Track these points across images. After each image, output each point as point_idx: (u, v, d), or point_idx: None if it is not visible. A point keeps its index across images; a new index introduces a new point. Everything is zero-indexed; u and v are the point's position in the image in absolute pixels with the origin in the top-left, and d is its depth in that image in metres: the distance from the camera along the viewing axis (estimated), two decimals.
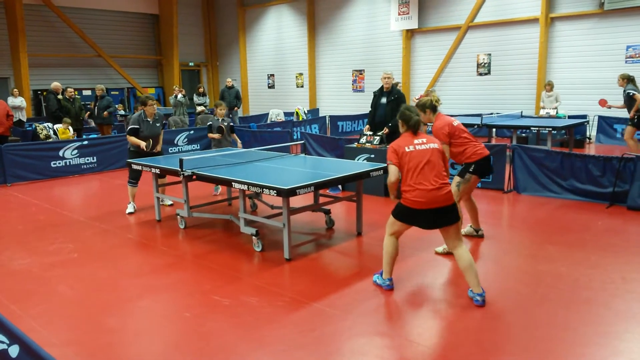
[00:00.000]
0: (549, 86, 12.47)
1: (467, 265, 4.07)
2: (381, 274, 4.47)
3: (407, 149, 4.11)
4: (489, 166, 5.40)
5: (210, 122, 8.33)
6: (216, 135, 8.16)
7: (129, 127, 7.26)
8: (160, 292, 4.55)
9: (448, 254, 5.17)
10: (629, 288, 4.33)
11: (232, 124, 8.47)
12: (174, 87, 16.20)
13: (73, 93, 12.13)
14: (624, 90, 9.44)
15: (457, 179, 5.34)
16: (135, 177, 7.33)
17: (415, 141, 4.16)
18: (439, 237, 5.85)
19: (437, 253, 5.29)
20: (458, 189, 5.27)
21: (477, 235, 5.81)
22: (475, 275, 4.08)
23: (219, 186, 8.15)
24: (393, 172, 4.13)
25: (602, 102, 10.05)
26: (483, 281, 4.55)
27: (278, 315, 3.99)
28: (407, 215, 4.14)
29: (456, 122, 5.37)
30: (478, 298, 4.07)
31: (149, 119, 7.23)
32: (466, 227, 5.74)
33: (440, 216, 4.06)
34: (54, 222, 6.94)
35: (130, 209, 7.42)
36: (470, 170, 5.25)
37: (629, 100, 9.31)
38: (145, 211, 7.36)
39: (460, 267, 4.13)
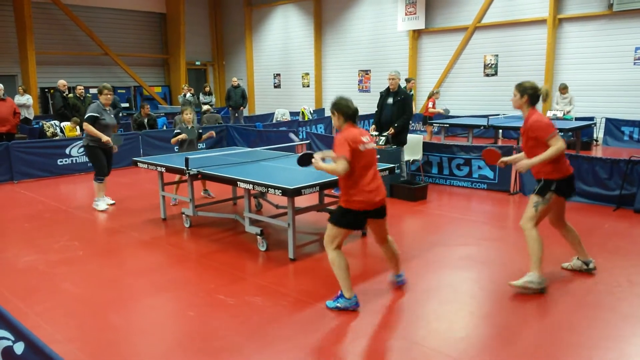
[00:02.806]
0: (564, 89, 12.41)
1: (391, 256, 4.34)
2: (340, 297, 4.03)
3: (360, 147, 3.84)
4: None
5: (178, 130, 7.74)
6: (183, 136, 7.57)
7: (87, 115, 7.09)
8: (164, 290, 4.55)
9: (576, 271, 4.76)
10: (635, 291, 4.29)
11: (200, 130, 7.97)
12: (183, 86, 16.25)
13: (82, 91, 12.18)
14: None
15: (534, 198, 4.41)
16: (102, 172, 7.33)
17: (363, 138, 3.91)
18: (442, 236, 5.84)
19: (563, 268, 4.81)
20: (535, 211, 4.36)
21: (587, 270, 4.68)
22: (398, 262, 4.38)
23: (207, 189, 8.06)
24: (345, 167, 3.80)
25: None
26: (490, 283, 4.54)
27: (282, 315, 3.99)
28: (354, 220, 3.97)
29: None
30: (398, 279, 4.41)
31: (106, 109, 7.28)
32: (572, 260, 4.81)
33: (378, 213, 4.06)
34: (60, 220, 6.97)
35: (102, 205, 7.39)
36: (553, 188, 4.32)
37: None
38: (151, 210, 7.37)
39: (386, 257, 4.37)
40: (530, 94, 4.29)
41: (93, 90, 18.23)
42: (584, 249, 4.69)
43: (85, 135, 7.30)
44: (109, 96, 7.31)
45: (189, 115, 7.76)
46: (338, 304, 4.01)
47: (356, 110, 3.98)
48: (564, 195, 4.41)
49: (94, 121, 7.08)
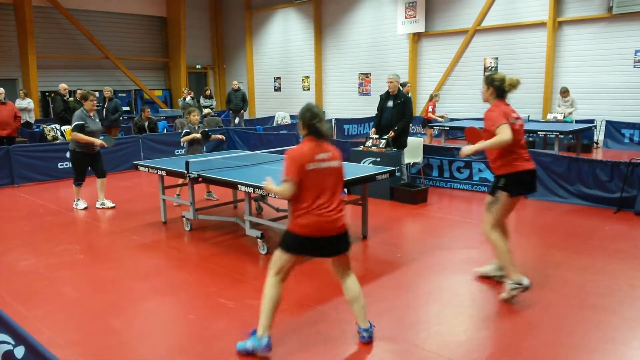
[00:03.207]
0: (565, 93, 12.42)
1: (354, 296, 3.56)
2: (252, 334, 3.45)
3: (309, 166, 3.31)
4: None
5: (187, 130, 7.81)
6: (195, 135, 7.69)
7: (75, 124, 7.23)
8: (165, 293, 4.55)
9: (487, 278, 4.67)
10: (636, 294, 4.29)
11: (207, 129, 8.10)
12: (183, 89, 16.26)
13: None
14: None
15: (487, 198, 4.23)
16: (81, 177, 7.59)
17: (317, 156, 3.35)
18: (442, 239, 5.83)
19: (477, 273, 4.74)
20: (489, 213, 4.18)
21: (499, 277, 4.57)
22: (362, 307, 3.56)
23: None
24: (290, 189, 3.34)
25: None
26: (491, 286, 4.52)
27: (283, 319, 3.98)
28: (297, 245, 3.40)
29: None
30: (364, 334, 3.55)
31: (90, 115, 7.38)
32: (488, 265, 4.71)
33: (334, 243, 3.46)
34: (60, 223, 6.97)
35: (81, 205, 7.72)
36: (501, 184, 4.14)
37: None
38: (151, 213, 7.38)
39: (347, 298, 3.60)
40: (496, 86, 4.16)
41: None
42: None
43: (72, 141, 7.45)
44: (93, 102, 7.41)
45: (196, 116, 7.89)
46: (247, 346, 3.42)
47: (319, 123, 3.38)
48: (511, 192, 4.09)
49: (81, 129, 7.22)
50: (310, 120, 3.37)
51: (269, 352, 3.40)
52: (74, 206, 7.76)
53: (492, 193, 4.20)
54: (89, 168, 7.67)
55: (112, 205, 7.78)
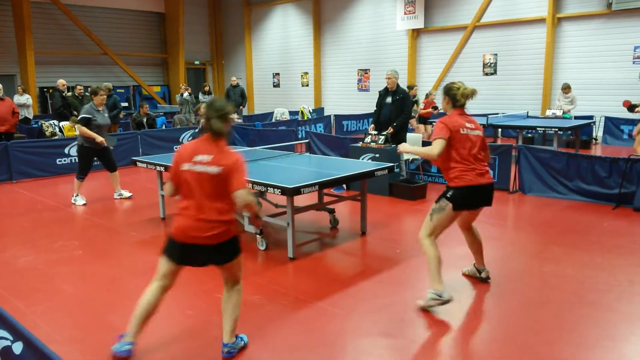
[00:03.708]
0: (567, 89, 12.40)
1: (229, 308, 3.35)
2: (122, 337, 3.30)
3: (183, 166, 3.19)
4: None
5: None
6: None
7: (80, 117, 7.32)
8: None
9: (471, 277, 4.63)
10: (635, 290, 4.29)
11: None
12: (181, 85, 16.23)
13: (82, 90, 12.18)
14: None
15: (433, 205, 4.12)
16: (84, 172, 7.63)
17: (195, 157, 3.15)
18: (441, 235, 5.83)
19: (464, 274, 4.69)
20: (430, 219, 4.06)
21: (480, 278, 4.55)
22: (234, 322, 3.34)
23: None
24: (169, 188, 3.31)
25: (626, 103, 9.91)
26: (491, 284, 4.52)
27: (282, 315, 3.98)
28: (172, 249, 3.27)
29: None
30: (224, 349, 3.33)
31: (99, 109, 7.46)
32: (470, 266, 4.68)
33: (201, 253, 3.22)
34: (59, 219, 6.96)
35: (80, 201, 7.71)
36: (448, 195, 4.00)
37: None
38: (150, 209, 7.37)
39: (222, 307, 3.39)
40: (451, 95, 4.08)
41: None
42: (482, 259, 4.50)
43: (79, 135, 7.50)
44: (103, 97, 7.52)
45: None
46: (114, 349, 3.28)
47: (214, 119, 3.16)
48: (454, 205, 3.96)
49: (86, 122, 7.25)
50: (208, 116, 3.17)
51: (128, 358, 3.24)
52: (73, 201, 7.76)
53: (437, 200, 4.05)
54: (99, 163, 7.82)
55: (129, 194, 7.98)
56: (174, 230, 3.21)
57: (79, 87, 12.26)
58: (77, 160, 7.81)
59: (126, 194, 8.04)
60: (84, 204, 7.68)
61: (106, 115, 7.61)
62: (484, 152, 4.13)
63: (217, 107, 3.18)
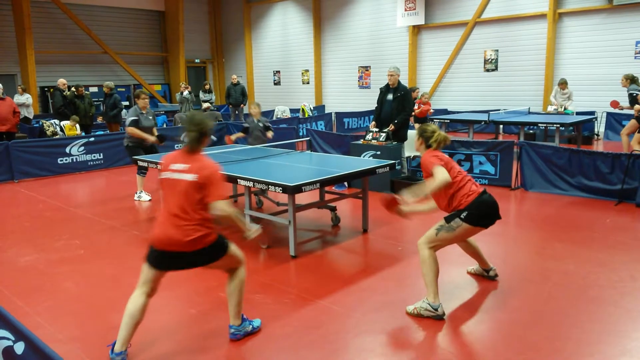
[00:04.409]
0: (564, 84, 12.36)
1: (230, 291, 3.51)
2: (113, 345, 3.29)
3: (162, 174, 3.32)
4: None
5: (247, 125, 7.90)
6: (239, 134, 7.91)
7: (130, 119, 7.50)
8: (165, 288, 4.52)
9: (477, 275, 4.62)
10: (638, 286, 4.28)
11: (267, 124, 7.91)
12: (181, 83, 16.22)
13: (82, 90, 12.19)
14: (627, 90, 9.43)
15: (441, 221, 4.03)
16: (145, 168, 7.62)
17: (172, 166, 3.28)
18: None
19: (469, 273, 4.68)
20: (436, 235, 3.99)
21: (488, 277, 4.57)
22: (236, 305, 3.51)
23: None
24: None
25: (614, 104, 9.93)
26: (490, 281, 4.52)
27: (284, 312, 3.98)
28: (150, 253, 3.33)
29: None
30: (230, 330, 3.54)
31: (143, 112, 7.62)
32: (475, 265, 4.67)
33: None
34: (61, 219, 6.96)
35: (145, 197, 7.85)
36: (463, 216, 3.90)
37: (633, 101, 9.27)
38: (152, 207, 7.37)
39: (226, 292, 3.53)
40: (425, 137, 4.10)
41: (93, 89, 18.31)
42: (484, 259, 4.47)
43: (125, 137, 7.70)
44: (146, 100, 7.69)
45: (255, 109, 7.88)
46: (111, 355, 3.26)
47: (187, 132, 3.27)
48: (476, 224, 3.92)
49: (135, 124, 7.48)
50: (188, 129, 3.27)
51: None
52: (137, 198, 7.86)
53: (448, 220, 3.95)
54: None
55: (149, 198, 7.92)
56: (152, 237, 3.26)
57: (80, 89, 12.26)
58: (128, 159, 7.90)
59: (145, 197, 7.88)
60: (149, 200, 7.80)
61: (150, 117, 7.78)
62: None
63: (196, 121, 3.28)
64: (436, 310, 3.82)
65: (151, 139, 7.55)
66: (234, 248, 3.44)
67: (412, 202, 4.03)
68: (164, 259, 3.27)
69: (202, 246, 3.21)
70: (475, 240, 4.44)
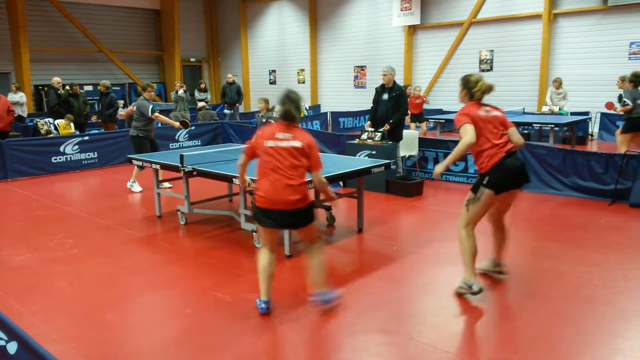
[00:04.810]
0: (557, 83, 12.40)
1: (313, 265, 3.92)
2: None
3: (265, 142, 3.75)
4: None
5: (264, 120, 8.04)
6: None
7: (151, 107, 7.82)
8: (160, 288, 4.53)
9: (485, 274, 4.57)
10: (631, 286, 4.31)
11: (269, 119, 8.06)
12: (176, 82, 16.17)
13: (76, 88, 12.14)
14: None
15: (468, 194, 4.09)
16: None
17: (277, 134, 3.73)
18: (438, 232, 5.84)
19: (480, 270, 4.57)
20: (466, 210, 4.07)
21: (495, 272, 4.52)
22: (319, 276, 3.93)
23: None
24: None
25: (609, 105, 9.96)
26: (486, 278, 4.53)
27: (279, 312, 3.98)
28: (261, 215, 3.78)
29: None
30: (313, 297, 3.94)
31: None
32: (484, 261, 4.58)
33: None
34: (55, 218, 6.93)
35: (137, 188, 8.30)
36: (485, 182, 3.95)
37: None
38: (146, 207, 7.35)
39: (309, 264, 3.95)
40: (469, 88, 4.11)
41: (87, 88, 18.23)
42: (501, 251, 4.45)
43: (133, 126, 7.96)
44: (152, 93, 8.03)
45: (261, 104, 8.19)
46: (257, 303, 3.94)
47: (287, 110, 3.72)
48: (497, 188, 3.92)
49: (157, 110, 7.85)
50: (283, 105, 3.74)
51: (267, 314, 3.86)
52: (128, 186, 8.35)
53: (473, 190, 4.02)
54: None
55: (139, 189, 8.32)
56: (261, 198, 3.70)
57: (74, 87, 12.21)
58: (133, 150, 8.09)
59: (137, 188, 8.30)
60: (140, 191, 8.24)
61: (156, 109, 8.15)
62: (506, 132, 4.07)
63: (292, 97, 3.75)
64: (470, 287, 4.00)
65: (176, 124, 7.99)
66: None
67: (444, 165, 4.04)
68: (276, 217, 3.70)
69: (303, 205, 3.71)
70: (508, 229, 4.42)
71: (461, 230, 4.10)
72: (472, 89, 4.08)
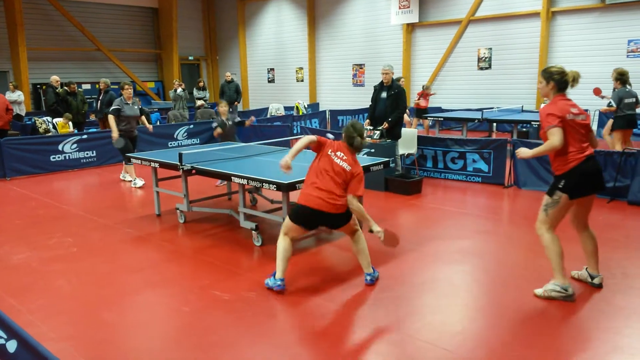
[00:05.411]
0: None
1: (359, 250, 4.45)
2: (273, 275, 4.32)
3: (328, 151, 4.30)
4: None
5: (216, 123, 8.25)
6: (219, 131, 8.15)
7: (112, 108, 8.16)
8: (159, 286, 4.53)
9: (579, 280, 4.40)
10: (629, 283, 4.31)
11: (237, 120, 8.45)
12: (174, 81, 16.16)
13: (74, 87, 12.11)
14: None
15: (545, 199, 4.00)
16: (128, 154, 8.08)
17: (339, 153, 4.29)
18: (436, 230, 5.84)
19: (572, 277, 4.40)
20: (546, 215, 4.00)
21: (592, 284, 4.25)
22: (367, 257, 4.45)
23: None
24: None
25: (597, 91, 9.96)
26: (485, 276, 4.54)
27: (277, 310, 3.98)
28: (297, 213, 4.27)
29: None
30: (367, 277, 4.42)
31: (128, 102, 8.29)
32: (582, 269, 4.40)
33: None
34: (53, 216, 6.92)
35: (139, 183, 8.54)
36: (560, 186, 3.88)
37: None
38: (145, 206, 7.34)
39: (353, 250, 4.51)
40: (556, 80, 3.91)
41: (86, 86, 18.21)
42: (596, 263, 4.23)
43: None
44: (129, 90, 8.31)
45: (224, 107, 8.38)
46: (269, 283, 4.32)
47: (350, 136, 4.33)
48: (571, 194, 3.87)
49: (116, 113, 8.12)
50: (351, 135, 4.33)
51: (282, 290, 4.22)
52: (132, 185, 8.56)
53: (550, 194, 3.95)
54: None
55: (142, 183, 8.57)
56: (305, 201, 4.18)
57: (72, 85, 12.18)
58: (116, 150, 8.57)
59: (139, 183, 8.53)
60: (143, 185, 8.51)
61: (136, 107, 8.50)
62: (588, 136, 3.98)
63: (358, 128, 4.34)
64: (566, 290, 3.94)
65: (114, 134, 8.05)
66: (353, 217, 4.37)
67: (530, 154, 3.98)
68: (312, 220, 4.25)
69: (341, 211, 4.22)
70: (595, 237, 4.24)
71: (544, 235, 4.02)
72: (561, 80, 3.89)
